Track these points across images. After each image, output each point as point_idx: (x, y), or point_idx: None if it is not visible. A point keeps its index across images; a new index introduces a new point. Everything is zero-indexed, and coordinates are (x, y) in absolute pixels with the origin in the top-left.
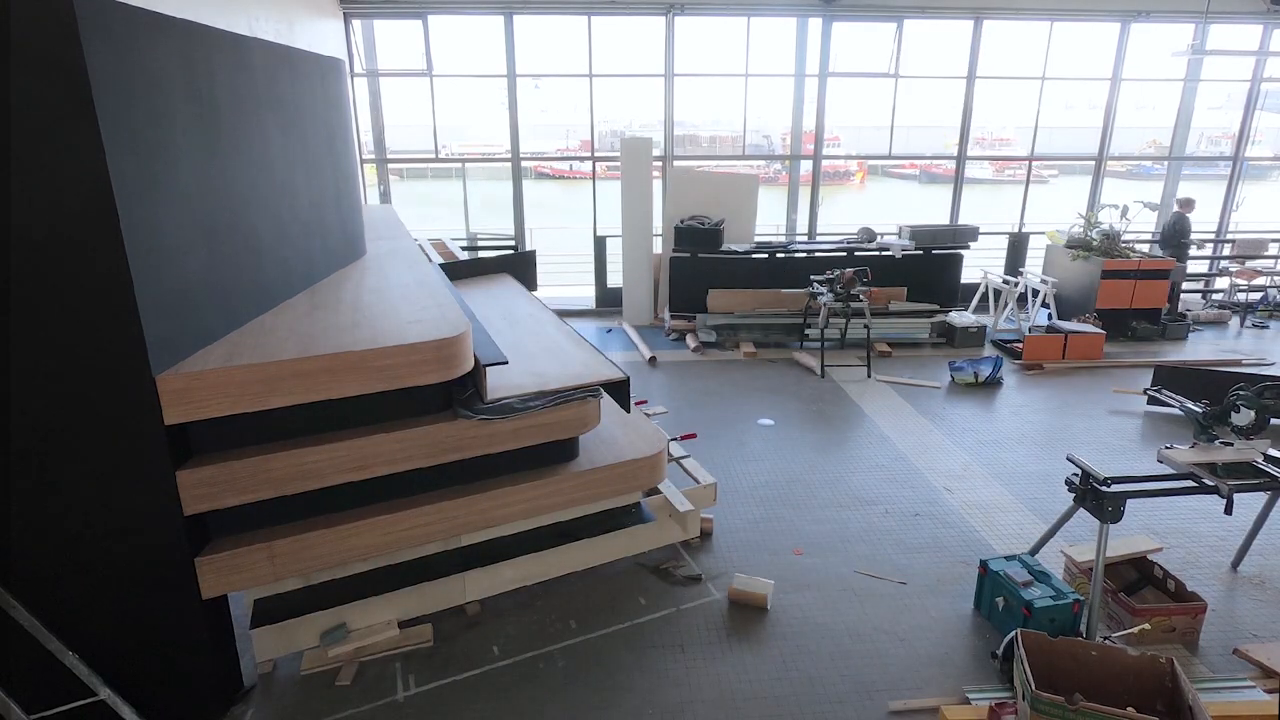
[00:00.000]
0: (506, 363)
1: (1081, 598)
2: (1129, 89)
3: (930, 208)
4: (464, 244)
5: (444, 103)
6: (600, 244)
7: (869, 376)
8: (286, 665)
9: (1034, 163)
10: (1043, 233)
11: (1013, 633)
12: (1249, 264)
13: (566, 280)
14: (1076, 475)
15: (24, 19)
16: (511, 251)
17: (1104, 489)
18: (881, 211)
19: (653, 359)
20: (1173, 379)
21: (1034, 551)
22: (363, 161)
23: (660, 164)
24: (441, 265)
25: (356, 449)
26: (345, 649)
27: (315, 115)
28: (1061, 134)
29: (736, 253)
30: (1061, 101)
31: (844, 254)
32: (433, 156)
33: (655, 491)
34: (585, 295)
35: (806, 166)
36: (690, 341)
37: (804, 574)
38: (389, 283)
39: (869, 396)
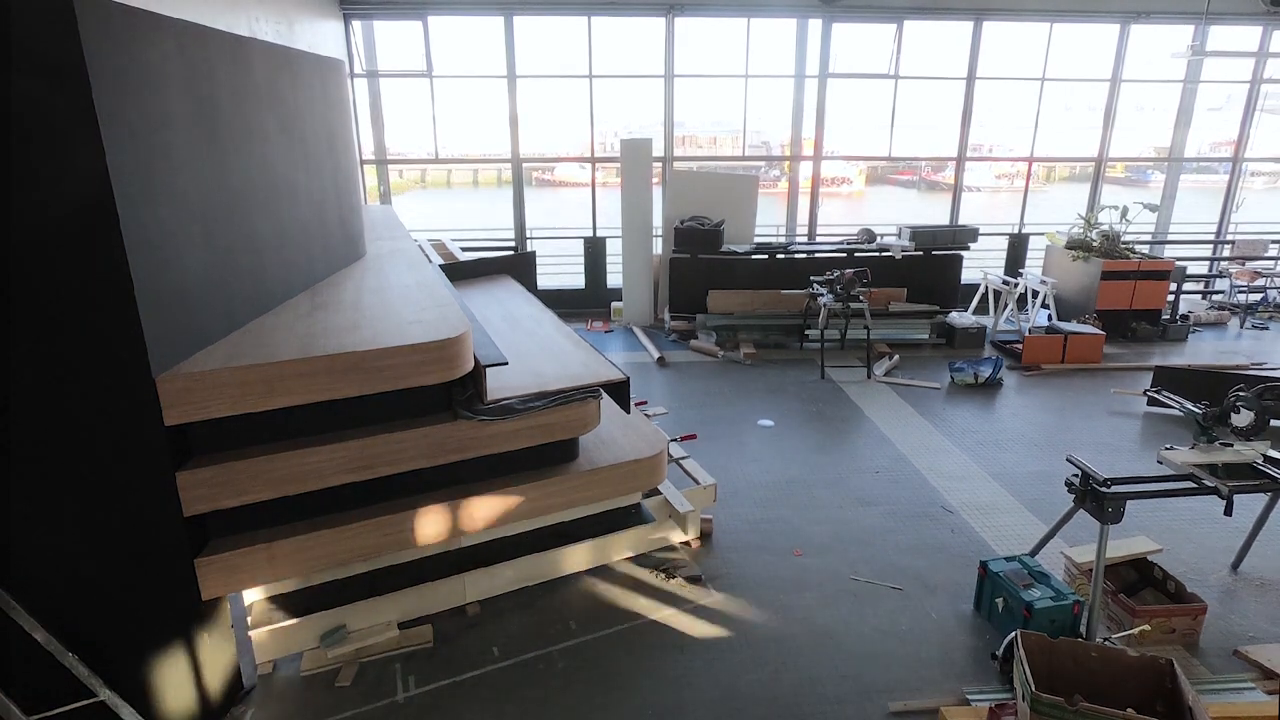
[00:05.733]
0: (506, 363)
1: (1081, 599)
2: (1129, 90)
3: (929, 214)
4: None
5: (444, 104)
6: (598, 245)
7: (869, 377)
8: (286, 665)
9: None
10: (1042, 234)
11: (1013, 634)
12: (1249, 265)
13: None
14: (1076, 476)
15: (24, 19)
16: (512, 252)
17: (1104, 490)
18: (881, 218)
19: (661, 359)
20: (1173, 379)
21: (1034, 552)
22: (362, 162)
23: (660, 165)
24: (441, 266)
25: (356, 449)
26: (345, 649)
27: (315, 115)
28: (1061, 135)
29: (736, 253)
30: (1061, 103)
31: (844, 255)
32: (433, 158)
33: (655, 492)
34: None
35: (807, 169)
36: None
37: (804, 574)
38: (389, 283)
39: (869, 397)
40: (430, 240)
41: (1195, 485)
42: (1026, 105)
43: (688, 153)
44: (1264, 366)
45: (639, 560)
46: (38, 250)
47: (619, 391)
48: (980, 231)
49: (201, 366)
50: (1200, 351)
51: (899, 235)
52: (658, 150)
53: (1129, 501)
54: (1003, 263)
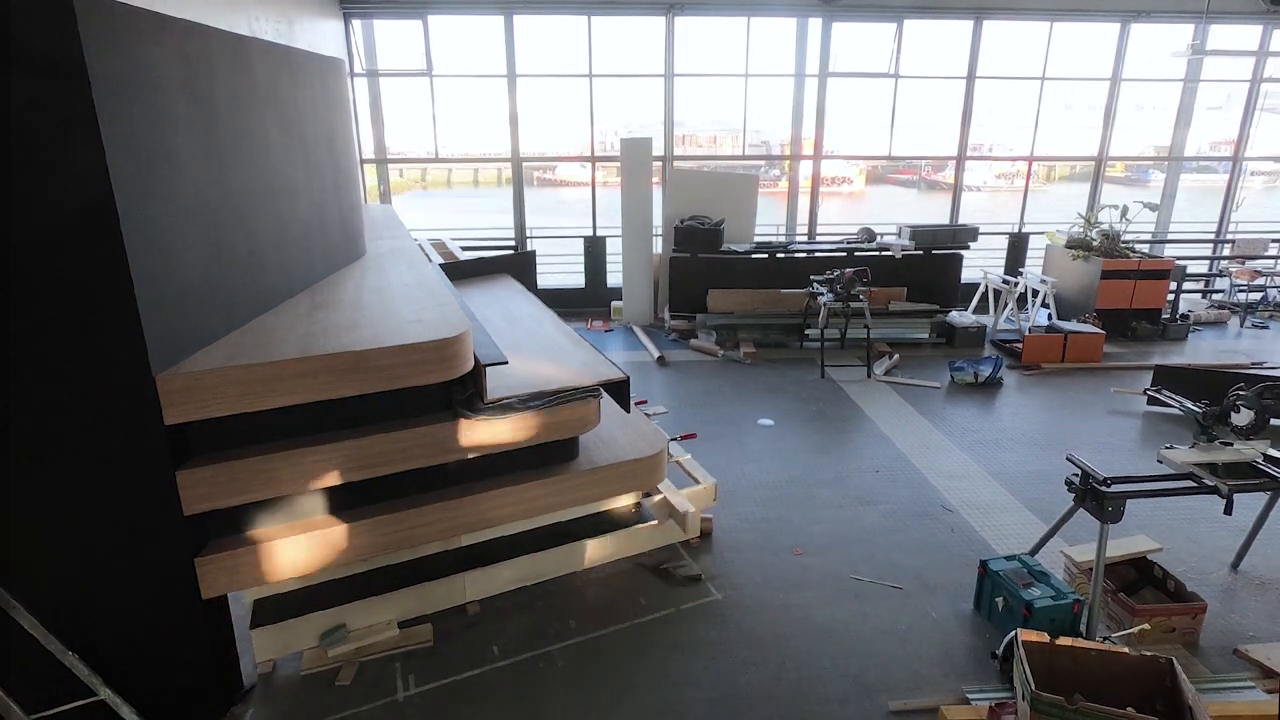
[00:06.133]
0: (506, 363)
1: (1081, 598)
2: (1129, 89)
3: (929, 214)
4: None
5: (444, 104)
6: (598, 244)
7: (869, 377)
8: (286, 665)
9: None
10: (1042, 233)
11: (1013, 633)
12: (1249, 264)
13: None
14: (1076, 475)
15: (24, 19)
16: (512, 252)
17: (1104, 489)
18: (881, 217)
19: (661, 358)
20: (1173, 379)
21: (1034, 552)
22: (362, 161)
23: (660, 164)
24: (441, 265)
25: (356, 449)
26: (345, 649)
27: (315, 115)
28: (1061, 134)
29: (736, 253)
30: (1061, 102)
31: (844, 254)
32: (433, 157)
33: (655, 491)
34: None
35: (807, 169)
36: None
37: (804, 574)
38: (389, 282)
39: (868, 397)
40: (430, 239)
41: (1195, 484)
42: (1026, 104)
43: (688, 152)
44: (1264, 365)
45: (639, 559)
46: (38, 250)
47: (619, 391)
48: (980, 231)
49: (202, 366)
50: (1200, 351)
51: (899, 234)
52: (658, 149)
53: (1129, 500)
54: (1003, 262)
